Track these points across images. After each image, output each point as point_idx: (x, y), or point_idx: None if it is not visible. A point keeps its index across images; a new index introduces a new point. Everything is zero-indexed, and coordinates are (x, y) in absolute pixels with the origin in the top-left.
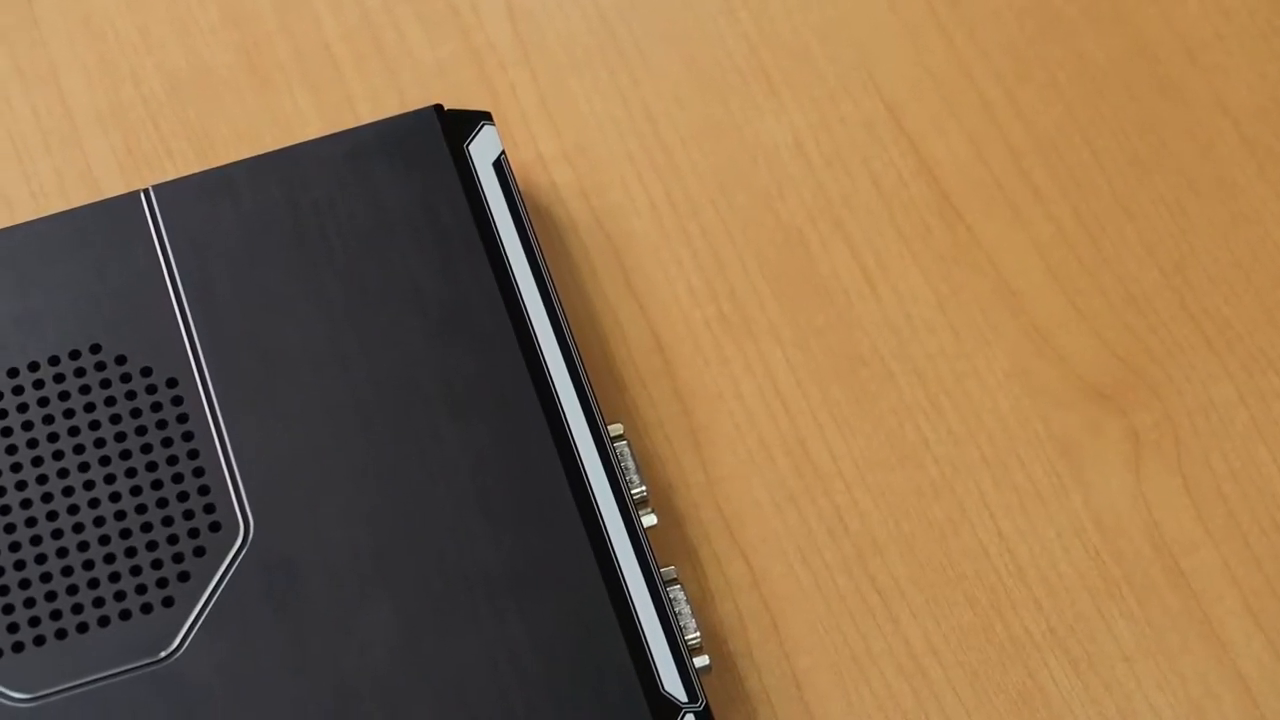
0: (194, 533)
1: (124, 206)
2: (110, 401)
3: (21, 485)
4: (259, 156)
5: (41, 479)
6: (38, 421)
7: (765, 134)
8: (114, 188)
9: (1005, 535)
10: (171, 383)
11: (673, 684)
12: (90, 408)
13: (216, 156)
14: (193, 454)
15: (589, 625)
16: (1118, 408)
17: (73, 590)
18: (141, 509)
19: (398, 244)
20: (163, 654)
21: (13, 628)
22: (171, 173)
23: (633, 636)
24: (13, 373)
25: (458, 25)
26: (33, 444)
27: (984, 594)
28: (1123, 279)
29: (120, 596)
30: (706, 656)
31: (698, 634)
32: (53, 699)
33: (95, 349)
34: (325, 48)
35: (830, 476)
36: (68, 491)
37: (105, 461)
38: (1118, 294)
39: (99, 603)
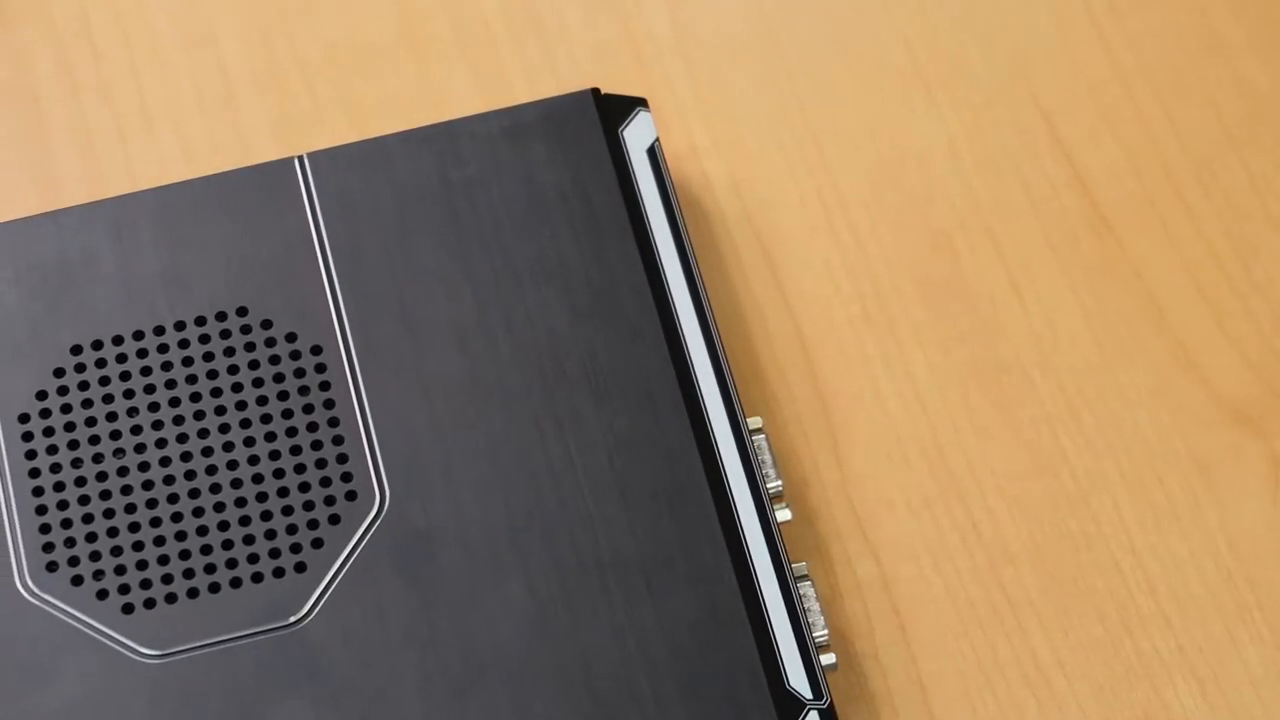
0: (330, 500)
1: (277, 172)
2: (254, 365)
3: (161, 443)
4: (415, 129)
5: (182, 438)
6: (181, 381)
7: (919, 136)
8: (266, 153)
9: (1138, 551)
10: (316, 350)
11: (798, 680)
12: (234, 370)
13: (369, 128)
14: (333, 422)
15: (718, 616)
16: (1259, 432)
17: (207, 550)
18: (279, 474)
19: (548, 224)
20: (292, 619)
21: (145, 584)
22: (324, 141)
23: (761, 630)
24: (159, 330)
25: (617, 10)
26: (175, 403)
27: (1114, 609)
28: (1272, 304)
29: (254, 559)
30: (833, 654)
31: (825, 632)
32: (180, 656)
33: (242, 312)
34: (484, 25)
35: (965, 482)
36: (207, 452)
37: (246, 425)
38: (1266, 318)
39: (232, 564)
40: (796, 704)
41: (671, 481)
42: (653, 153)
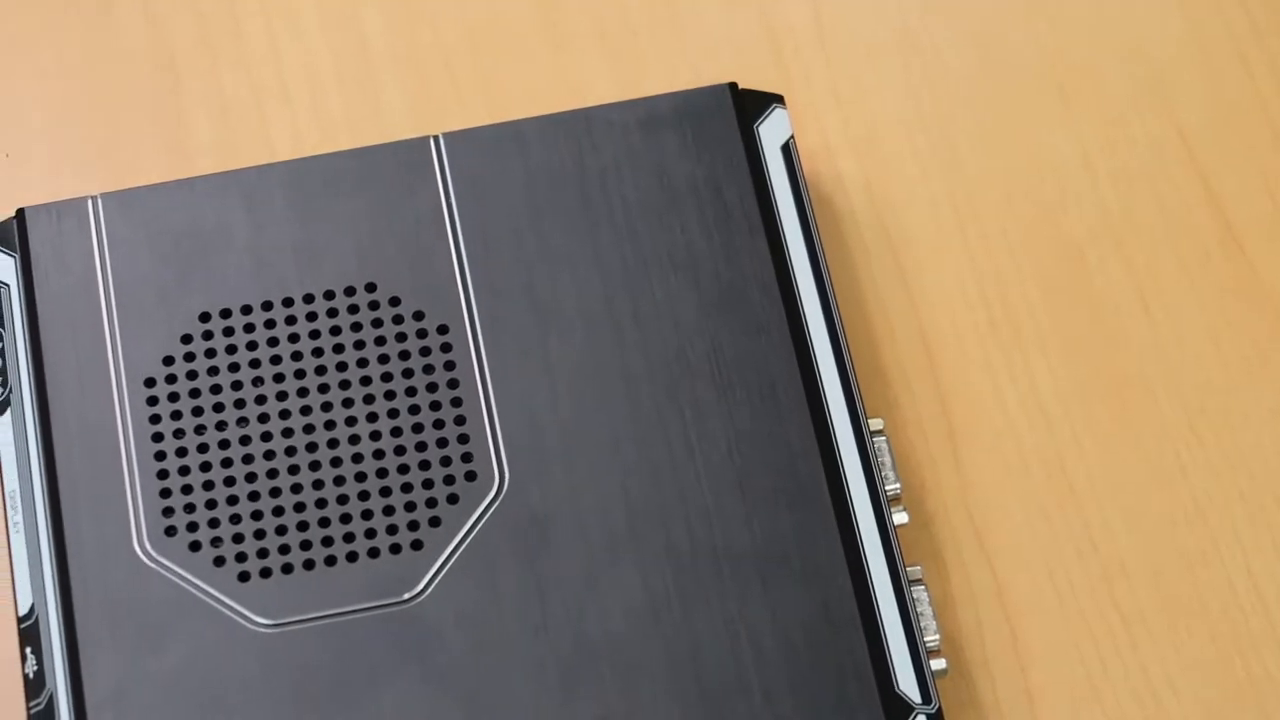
0: (449, 479)
1: (413, 150)
2: (380, 341)
3: (285, 415)
4: (551, 115)
5: (305, 410)
6: (306, 353)
7: (1053, 146)
8: (401, 131)
9: (1254, 574)
10: (442, 329)
11: (908, 683)
12: (360, 345)
13: (505, 111)
14: (456, 402)
15: (831, 615)
16: None
17: (324, 523)
18: (400, 451)
19: (680, 216)
20: (406, 596)
21: (262, 553)
22: (459, 122)
23: (873, 631)
24: (287, 302)
25: (757, 4)
26: (300, 375)
27: (1226, 629)
28: None
29: (371, 534)
30: (943, 660)
31: (937, 636)
32: (292, 627)
33: (370, 288)
34: (623, 14)
35: (1084, 494)
36: (329, 426)
37: (369, 400)
38: None
39: (349, 538)
40: (905, 707)
41: (791, 478)
42: (787, 149)
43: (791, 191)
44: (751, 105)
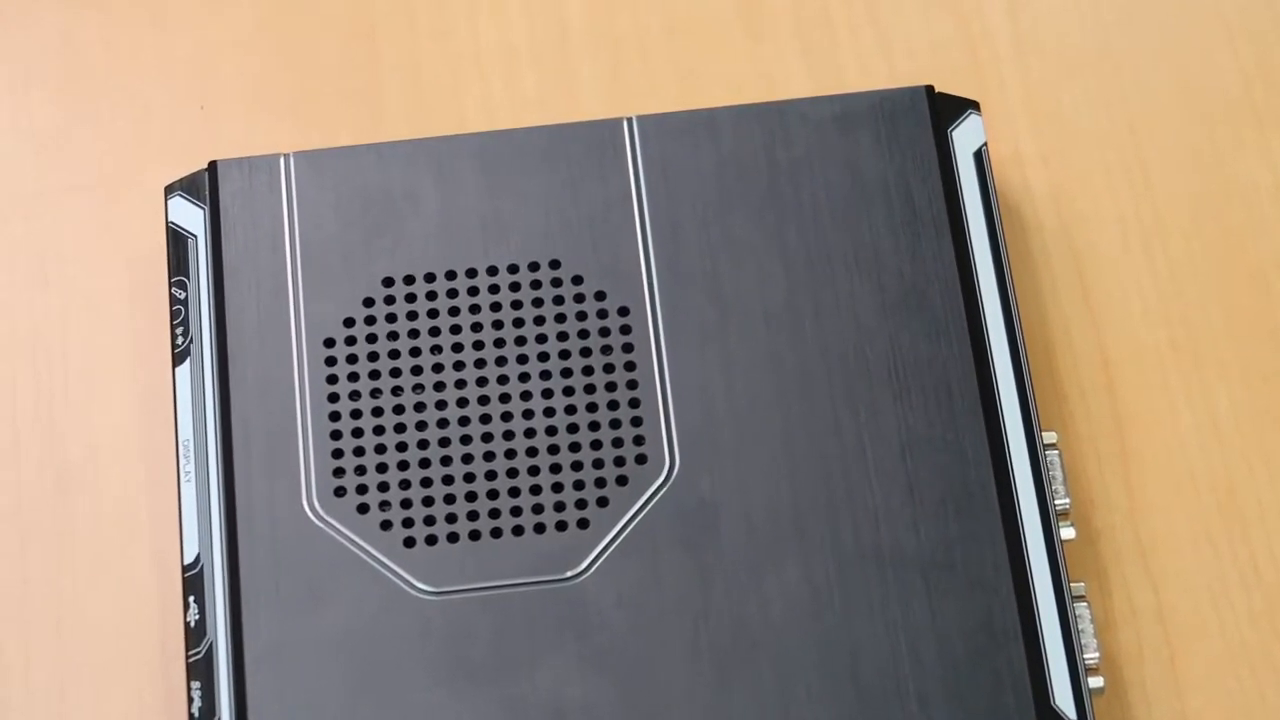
0: (620, 461)
1: (605, 131)
2: (560, 319)
3: (461, 384)
4: (746, 105)
5: (481, 381)
6: (487, 325)
7: (1246, 171)
8: (593, 111)
9: None
10: (623, 311)
11: (1064, 699)
12: (540, 321)
13: (697, 98)
14: (631, 384)
15: (992, 625)
16: None
17: (493, 495)
18: (573, 429)
19: (867, 215)
20: (569, 574)
21: (429, 520)
22: (651, 106)
23: (1033, 644)
24: (471, 273)
25: (957, 9)
26: (479, 346)
27: None
28: None
29: (538, 510)
30: (1101, 678)
31: (1096, 655)
32: (454, 596)
33: (554, 265)
34: (823, 9)
35: (1253, 524)
36: (504, 399)
37: (546, 376)
38: None
39: (517, 512)
40: None
41: (961, 484)
42: (979, 156)
43: (981, 198)
44: (946, 110)
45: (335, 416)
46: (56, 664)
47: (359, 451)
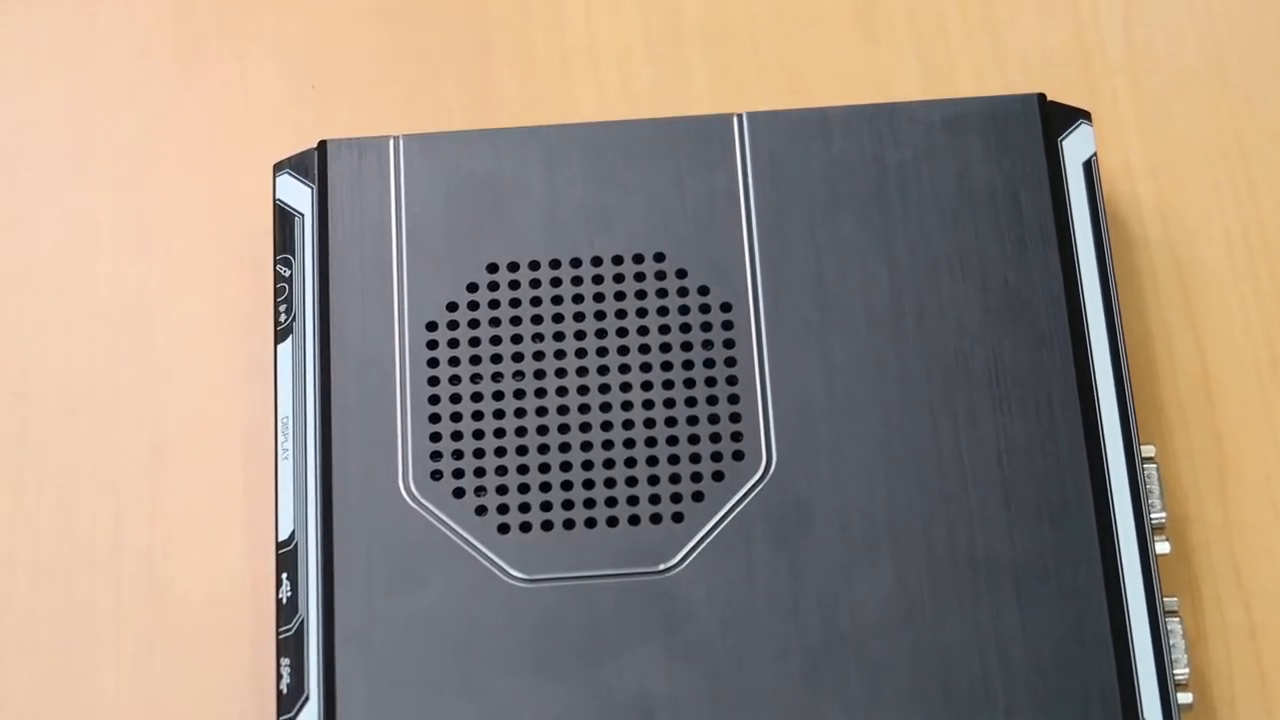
0: (717, 456)
1: (715, 126)
2: (663, 311)
3: (561, 373)
4: (857, 105)
5: (581, 371)
6: (589, 315)
7: None
8: (702, 106)
9: None
10: (725, 307)
11: (1153, 713)
12: (642, 313)
13: (808, 96)
14: (731, 380)
15: (1083, 635)
16: None
17: (589, 485)
18: (671, 422)
19: (975, 221)
20: (661, 567)
21: (524, 507)
22: (761, 103)
23: (1124, 657)
24: (575, 263)
25: (1073, 19)
26: (580, 336)
27: None
28: None
29: (633, 502)
30: (1190, 694)
31: (1186, 670)
32: (545, 584)
33: (659, 257)
34: (938, 13)
35: None
36: (604, 389)
37: (646, 369)
38: None
39: (611, 503)
40: None
41: (1057, 494)
42: (1089, 167)
43: (1089, 209)
44: (1058, 119)
45: (435, 400)
46: (147, 633)
47: (457, 435)
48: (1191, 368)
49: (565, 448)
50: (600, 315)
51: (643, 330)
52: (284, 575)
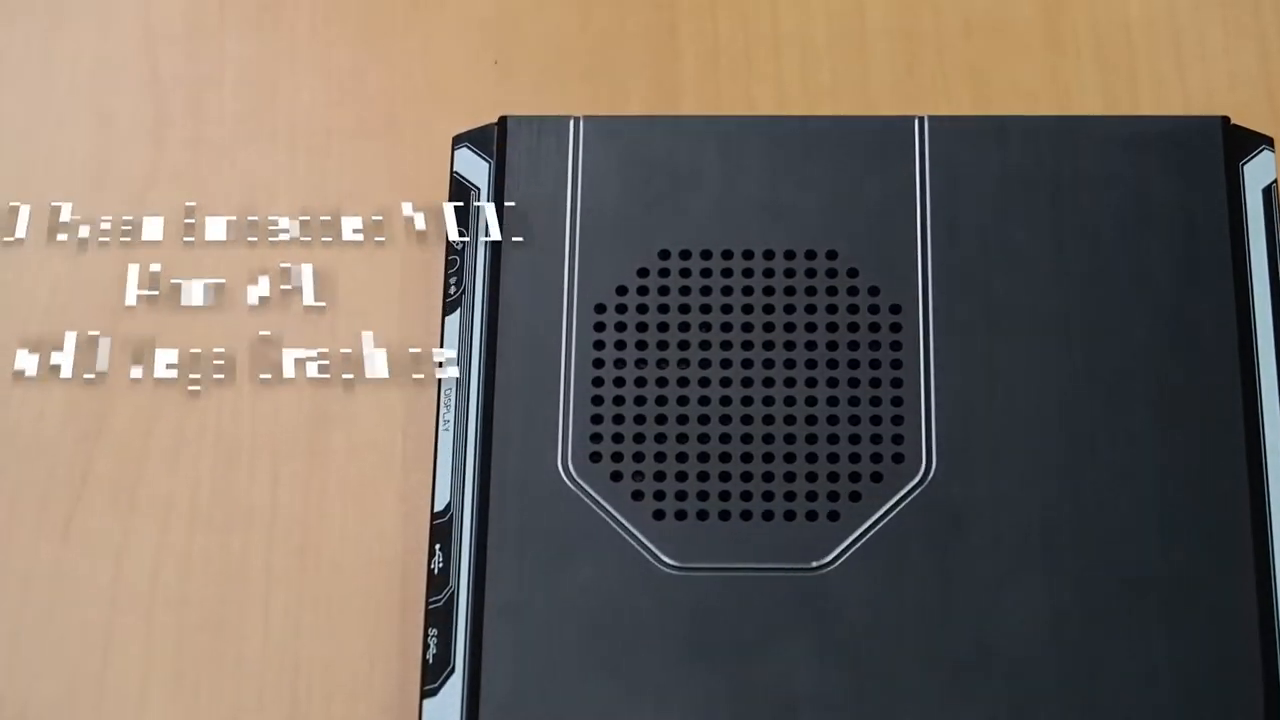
0: (876, 458)
1: (896, 127)
2: (831, 309)
3: (726, 364)
4: (1038, 116)
5: (746, 363)
6: (757, 308)
7: None
8: (881, 106)
9: None
10: (894, 308)
11: None
12: (811, 309)
13: (988, 104)
14: (896, 383)
15: (1232, 659)
16: None
17: (747, 477)
18: (833, 420)
19: (1149, 240)
20: (814, 564)
21: (680, 495)
22: (941, 107)
23: (1272, 683)
24: (747, 255)
25: (1259, 42)
26: (747, 328)
27: None
28: None
29: (790, 497)
30: None
31: None
32: (697, 573)
33: (831, 255)
34: (1125, 29)
35: None
36: (768, 383)
37: (811, 365)
38: None
39: (768, 497)
40: None
41: (1215, 518)
42: (1269, 193)
43: (1266, 236)
44: (1240, 143)
45: (598, 382)
46: (297, 593)
47: (618, 419)
48: None
49: (725, 439)
50: (769, 309)
51: (810, 327)
52: (437, 546)
